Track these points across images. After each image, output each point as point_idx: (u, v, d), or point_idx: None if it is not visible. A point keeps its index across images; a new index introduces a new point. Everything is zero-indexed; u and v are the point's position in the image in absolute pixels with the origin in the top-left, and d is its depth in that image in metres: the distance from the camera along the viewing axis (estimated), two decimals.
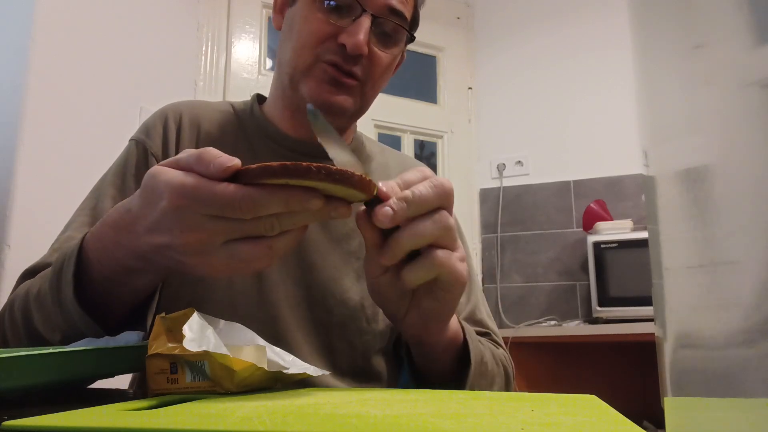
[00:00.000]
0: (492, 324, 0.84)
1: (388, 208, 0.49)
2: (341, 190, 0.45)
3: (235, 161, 0.44)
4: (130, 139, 0.83)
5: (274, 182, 0.43)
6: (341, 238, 0.78)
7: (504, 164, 2.68)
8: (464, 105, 2.78)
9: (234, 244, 0.46)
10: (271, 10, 2.51)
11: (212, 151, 0.45)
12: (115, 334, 0.56)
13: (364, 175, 0.45)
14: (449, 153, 2.71)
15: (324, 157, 0.78)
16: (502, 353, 0.77)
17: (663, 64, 0.28)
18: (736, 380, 0.22)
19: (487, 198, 2.70)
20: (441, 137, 2.73)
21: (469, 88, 2.80)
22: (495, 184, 2.69)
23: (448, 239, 0.51)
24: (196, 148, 0.74)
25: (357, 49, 0.71)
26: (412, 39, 0.79)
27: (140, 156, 0.79)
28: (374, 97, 0.80)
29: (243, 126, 0.82)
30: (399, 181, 0.52)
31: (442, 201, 0.51)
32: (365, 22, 0.71)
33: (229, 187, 0.43)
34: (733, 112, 0.22)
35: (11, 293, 0.68)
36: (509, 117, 2.73)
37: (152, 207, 0.46)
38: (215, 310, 0.64)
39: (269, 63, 2.32)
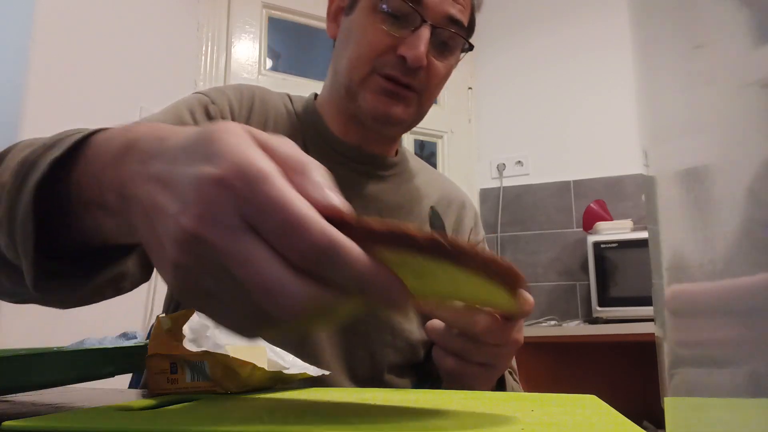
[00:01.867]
0: (513, 361, 0.83)
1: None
2: (484, 291, 0.33)
3: (346, 207, 0.29)
4: (194, 93, 0.78)
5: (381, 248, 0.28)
6: None
7: (504, 164, 2.68)
8: (464, 105, 2.78)
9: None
10: (271, 10, 2.51)
11: (322, 171, 0.31)
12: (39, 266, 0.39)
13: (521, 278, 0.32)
14: (449, 153, 2.71)
15: (370, 162, 0.80)
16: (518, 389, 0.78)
17: (663, 64, 0.28)
18: (736, 380, 0.22)
19: (487, 198, 2.70)
20: (441, 137, 2.73)
21: (469, 88, 2.80)
22: (495, 184, 2.69)
23: None
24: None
25: (417, 62, 0.70)
26: (470, 48, 0.78)
27: (196, 107, 0.74)
28: (429, 107, 0.79)
29: (300, 123, 0.81)
30: None
31: None
32: (425, 33, 0.70)
33: (330, 230, 0.27)
34: (733, 112, 0.22)
35: None
36: (509, 117, 2.73)
37: (191, 162, 0.29)
38: None
39: (269, 63, 2.32)
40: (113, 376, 0.53)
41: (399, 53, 0.70)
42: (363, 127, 0.78)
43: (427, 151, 2.78)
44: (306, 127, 0.81)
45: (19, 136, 1.46)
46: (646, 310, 1.99)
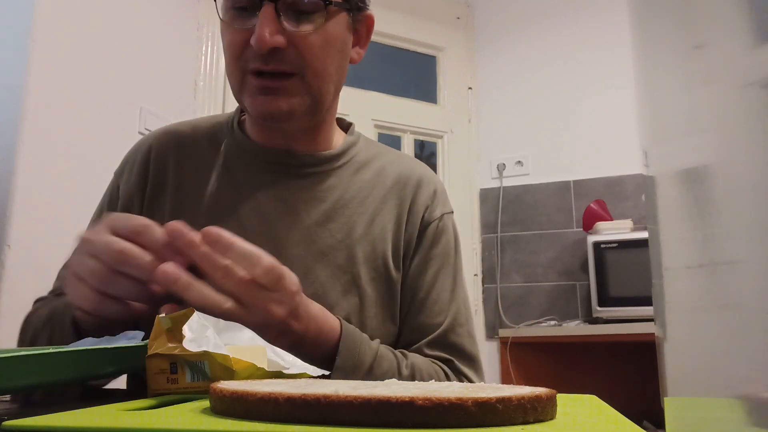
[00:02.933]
0: (469, 346, 0.78)
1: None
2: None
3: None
4: (114, 173, 0.84)
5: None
6: (326, 252, 0.75)
7: (504, 164, 2.68)
8: (464, 105, 2.78)
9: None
10: None
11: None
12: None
13: None
14: (449, 153, 2.71)
15: (300, 163, 0.78)
16: (445, 373, 0.74)
17: (663, 64, 0.28)
18: (735, 380, 0.22)
19: (487, 198, 2.70)
20: (441, 137, 2.73)
21: (469, 88, 2.80)
22: (495, 184, 2.69)
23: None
24: (172, 174, 0.78)
25: (261, 46, 0.65)
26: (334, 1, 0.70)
27: (114, 197, 0.81)
28: (328, 84, 0.72)
29: (220, 143, 0.80)
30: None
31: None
32: (267, 11, 0.65)
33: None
34: (733, 112, 0.22)
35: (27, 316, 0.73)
36: (509, 117, 2.73)
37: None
38: None
39: None
40: (113, 377, 0.53)
41: (251, 44, 0.67)
42: (275, 130, 0.76)
43: (427, 151, 2.78)
44: (227, 143, 0.80)
45: (19, 136, 1.46)
46: (646, 310, 1.99)
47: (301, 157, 0.78)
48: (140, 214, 0.76)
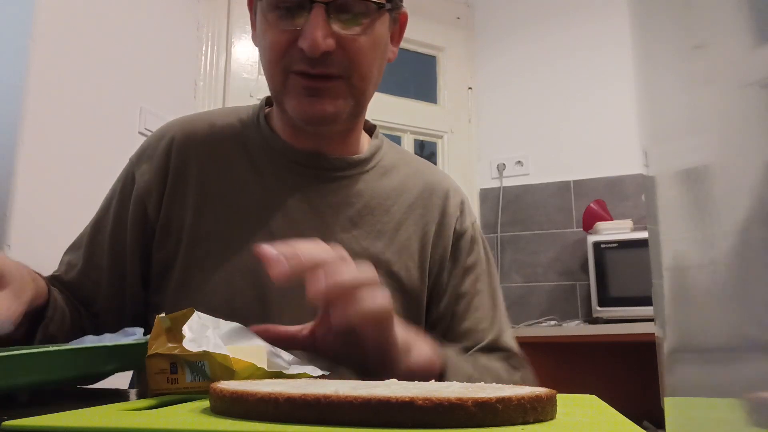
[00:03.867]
0: (517, 347, 0.81)
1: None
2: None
3: None
4: (130, 159, 0.81)
5: None
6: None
7: (504, 164, 2.68)
8: (464, 105, 2.78)
9: None
10: None
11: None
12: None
13: None
14: (449, 153, 2.71)
15: (328, 166, 0.77)
16: (518, 378, 0.75)
17: (663, 64, 0.28)
18: (735, 380, 0.22)
19: (487, 198, 2.70)
20: (441, 137, 2.73)
21: (469, 88, 2.80)
22: (495, 184, 2.69)
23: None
24: (194, 169, 0.75)
25: (315, 50, 0.64)
26: (385, 3, 0.69)
27: (127, 184, 0.78)
28: (370, 86, 0.72)
29: (245, 139, 0.78)
30: None
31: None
32: (318, 14, 0.64)
33: None
34: (733, 112, 0.22)
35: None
36: (509, 117, 2.73)
37: None
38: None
39: None
40: (113, 374, 0.53)
41: (299, 46, 0.65)
42: (309, 132, 0.74)
43: (427, 151, 2.78)
44: (253, 139, 0.78)
45: (19, 136, 1.46)
46: (646, 310, 1.99)
47: (332, 160, 0.77)
48: (159, 206, 0.74)
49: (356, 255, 0.72)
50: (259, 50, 0.73)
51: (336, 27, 0.66)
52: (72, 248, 0.80)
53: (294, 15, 0.66)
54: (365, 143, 0.82)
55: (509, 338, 0.81)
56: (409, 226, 0.78)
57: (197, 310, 0.49)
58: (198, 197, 0.74)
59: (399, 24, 0.77)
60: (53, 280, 0.75)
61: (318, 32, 0.63)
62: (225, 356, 0.44)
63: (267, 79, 0.72)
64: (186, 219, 0.73)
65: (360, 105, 0.73)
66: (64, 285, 0.75)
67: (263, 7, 0.68)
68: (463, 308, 0.78)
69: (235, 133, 0.78)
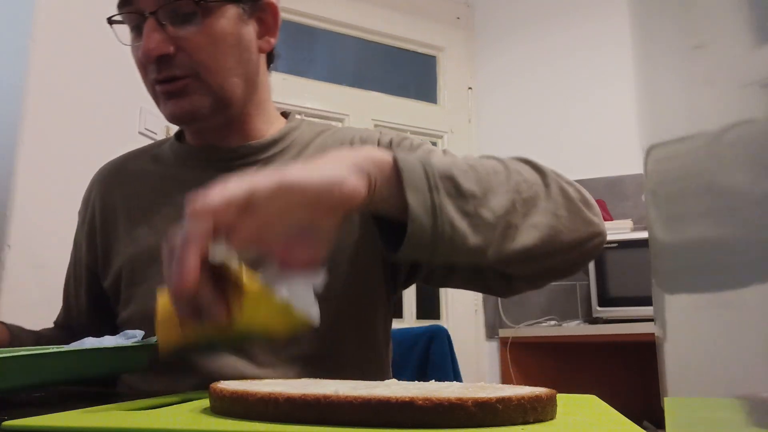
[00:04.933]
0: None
1: None
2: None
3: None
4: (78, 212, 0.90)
5: None
6: None
7: None
8: (464, 105, 2.78)
9: None
10: None
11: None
12: None
13: None
14: None
15: (219, 158, 0.79)
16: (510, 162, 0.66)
17: (663, 64, 0.28)
18: (735, 380, 0.22)
19: None
20: (441, 137, 2.72)
21: (469, 88, 2.80)
22: None
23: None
24: (119, 199, 0.82)
25: (149, 57, 0.69)
26: None
27: (80, 226, 0.88)
28: (228, 76, 0.73)
29: (157, 155, 0.85)
30: None
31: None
32: (149, 24, 0.69)
33: None
34: (733, 112, 0.22)
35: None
36: (509, 117, 2.73)
37: None
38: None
39: None
40: (114, 376, 0.53)
41: None
42: (195, 129, 0.80)
43: None
44: (167, 157, 0.84)
45: (19, 136, 1.46)
46: (646, 310, 1.99)
47: (232, 149, 0.78)
48: (94, 254, 0.83)
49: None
50: None
51: (171, 31, 0.70)
52: (65, 288, 0.89)
53: (140, 31, 0.72)
54: (278, 128, 0.82)
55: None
56: None
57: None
58: (127, 222, 0.80)
59: (269, 13, 0.77)
60: (54, 328, 0.87)
61: (147, 41, 0.69)
62: (238, 270, 0.46)
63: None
64: (121, 246, 0.80)
65: (223, 98, 0.73)
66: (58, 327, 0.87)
67: (129, 31, 0.75)
68: None
69: (149, 154, 0.86)
